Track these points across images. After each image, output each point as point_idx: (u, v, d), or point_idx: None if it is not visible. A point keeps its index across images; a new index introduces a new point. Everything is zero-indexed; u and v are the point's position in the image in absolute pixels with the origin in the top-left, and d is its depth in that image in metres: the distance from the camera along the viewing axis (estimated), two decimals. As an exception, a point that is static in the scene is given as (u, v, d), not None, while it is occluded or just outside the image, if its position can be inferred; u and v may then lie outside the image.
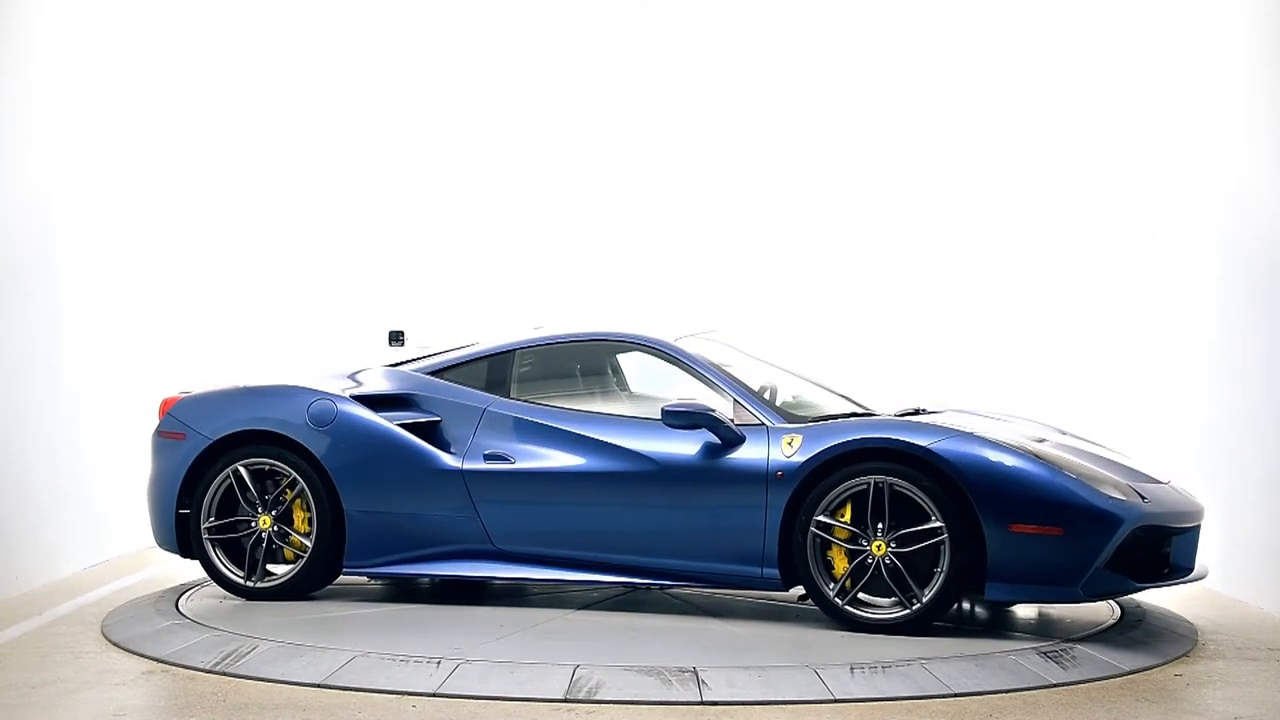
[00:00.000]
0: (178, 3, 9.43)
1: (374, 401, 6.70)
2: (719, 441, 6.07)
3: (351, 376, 6.95)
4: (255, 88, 9.78)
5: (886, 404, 6.84)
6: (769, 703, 4.76)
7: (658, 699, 4.78)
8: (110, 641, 5.81)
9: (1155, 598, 6.75)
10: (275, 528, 6.62)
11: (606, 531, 6.25)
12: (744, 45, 10.14)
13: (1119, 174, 8.66)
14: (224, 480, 6.67)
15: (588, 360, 6.91)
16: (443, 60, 10.05)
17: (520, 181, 10.13)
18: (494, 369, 6.80)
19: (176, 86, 9.39)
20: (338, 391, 6.71)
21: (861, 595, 5.81)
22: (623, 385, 7.00)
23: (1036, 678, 5.08)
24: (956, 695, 4.87)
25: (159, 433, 6.88)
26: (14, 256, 7.28)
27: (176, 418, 6.81)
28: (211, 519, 6.67)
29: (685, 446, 6.13)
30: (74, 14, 8.15)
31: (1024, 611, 6.26)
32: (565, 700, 4.78)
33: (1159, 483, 6.04)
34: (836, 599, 5.80)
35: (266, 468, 6.65)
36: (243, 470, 6.66)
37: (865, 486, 5.75)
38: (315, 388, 6.75)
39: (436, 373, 6.89)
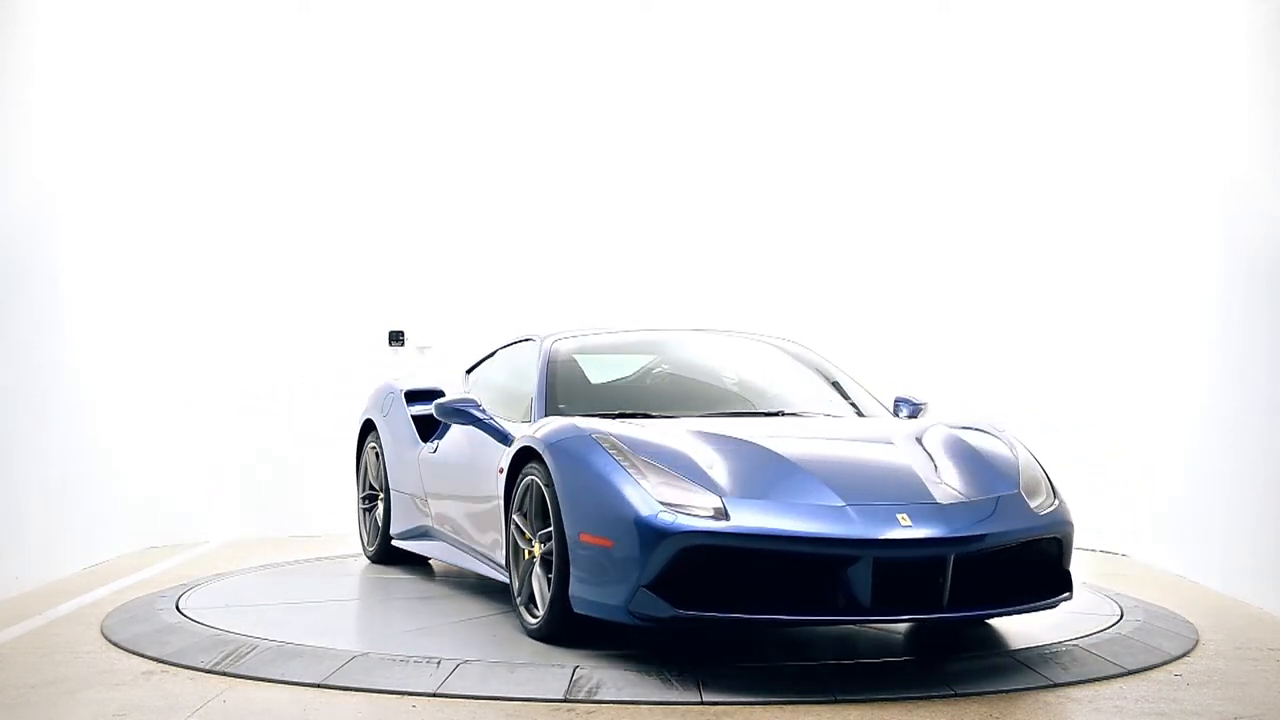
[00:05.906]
0: (183, 1, 9.44)
1: (421, 395, 7.55)
2: (493, 439, 6.28)
3: None
4: (259, 88, 9.77)
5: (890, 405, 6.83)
6: (769, 703, 4.76)
7: (657, 699, 4.77)
8: (110, 641, 5.81)
9: (1156, 598, 6.75)
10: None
11: (462, 519, 6.62)
12: (749, 48, 10.14)
13: (1119, 173, 8.66)
14: (364, 460, 7.93)
15: (517, 360, 7.06)
16: (445, 62, 10.04)
17: (523, 182, 10.12)
18: (479, 368, 7.49)
19: (181, 86, 9.39)
20: (401, 387, 7.68)
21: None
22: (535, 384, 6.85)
23: (1037, 678, 5.07)
24: (957, 695, 4.86)
25: None
26: (16, 255, 7.27)
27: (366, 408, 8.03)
28: (362, 491, 7.94)
29: (484, 442, 6.35)
30: (78, 12, 8.15)
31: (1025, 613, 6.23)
32: (565, 700, 4.77)
33: (1006, 491, 5.36)
34: (518, 598, 5.72)
35: (378, 451, 7.74)
36: (369, 452, 7.86)
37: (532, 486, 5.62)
38: (392, 383, 7.80)
39: (468, 371, 7.65)
